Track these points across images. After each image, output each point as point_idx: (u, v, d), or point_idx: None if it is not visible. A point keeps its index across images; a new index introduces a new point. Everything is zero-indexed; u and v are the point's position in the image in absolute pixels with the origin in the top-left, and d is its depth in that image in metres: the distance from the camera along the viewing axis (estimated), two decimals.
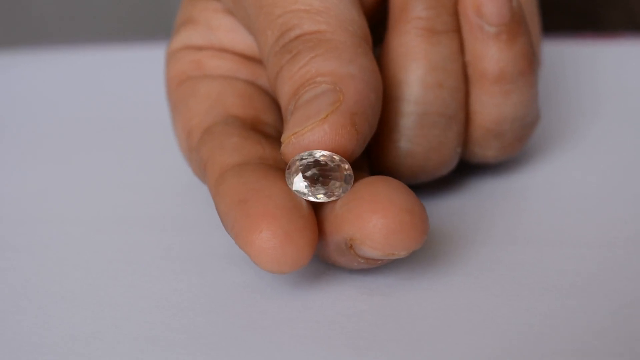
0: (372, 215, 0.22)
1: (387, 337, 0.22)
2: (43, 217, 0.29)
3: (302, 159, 0.22)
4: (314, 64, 0.23)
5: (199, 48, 0.28)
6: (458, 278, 0.24)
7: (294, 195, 0.22)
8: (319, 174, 0.22)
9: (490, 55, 0.26)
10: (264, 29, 0.25)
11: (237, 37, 0.28)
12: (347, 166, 0.22)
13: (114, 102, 0.38)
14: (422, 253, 0.25)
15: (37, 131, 0.36)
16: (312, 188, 0.22)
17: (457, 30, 0.26)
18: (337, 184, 0.22)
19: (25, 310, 0.24)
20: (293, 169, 0.22)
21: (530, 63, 0.26)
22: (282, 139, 0.23)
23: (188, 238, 0.27)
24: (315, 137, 0.22)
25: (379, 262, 0.23)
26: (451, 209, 0.28)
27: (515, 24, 0.26)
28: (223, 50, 0.28)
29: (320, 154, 0.22)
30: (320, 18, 0.24)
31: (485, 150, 0.28)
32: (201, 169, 0.26)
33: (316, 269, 0.25)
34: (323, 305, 0.23)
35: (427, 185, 0.28)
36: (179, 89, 0.28)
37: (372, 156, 0.27)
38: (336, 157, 0.22)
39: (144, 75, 0.36)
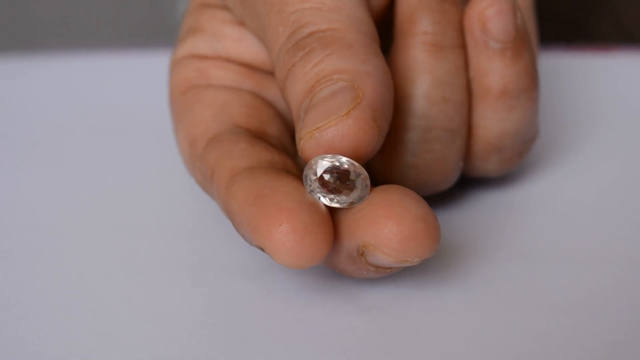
0: (387, 221, 0.22)
1: (380, 352, 0.22)
2: (38, 223, 0.29)
3: (323, 161, 0.22)
4: (329, 61, 0.23)
5: (205, 57, 0.28)
6: (455, 294, 0.24)
7: (309, 195, 0.22)
8: (338, 179, 0.22)
9: (495, 71, 0.26)
10: (275, 25, 0.24)
11: (243, 46, 0.28)
12: (365, 175, 0.22)
13: (113, 109, 0.37)
14: (420, 267, 0.25)
15: (36, 138, 0.36)
16: (329, 192, 0.22)
17: (462, 45, 0.26)
18: (355, 191, 0.22)
19: (18, 317, 0.24)
20: (312, 170, 0.22)
21: (534, 79, 0.26)
22: (300, 135, 0.22)
23: (184, 247, 0.27)
24: (340, 131, 0.22)
25: (389, 270, 0.23)
26: (451, 222, 0.28)
27: (519, 41, 0.26)
28: (229, 60, 0.28)
29: (341, 159, 0.22)
30: (332, 16, 0.24)
31: (486, 164, 0.28)
32: (206, 177, 0.25)
33: (313, 281, 0.25)
34: (319, 319, 0.24)
35: (429, 199, 0.28)
36: (182, 97, 0.28)
37: (375, 168, 0.27)
38: (356, 164, 0.22)
39: (145, 82, 0.36)
